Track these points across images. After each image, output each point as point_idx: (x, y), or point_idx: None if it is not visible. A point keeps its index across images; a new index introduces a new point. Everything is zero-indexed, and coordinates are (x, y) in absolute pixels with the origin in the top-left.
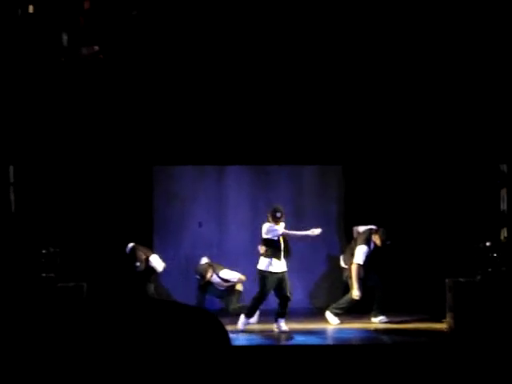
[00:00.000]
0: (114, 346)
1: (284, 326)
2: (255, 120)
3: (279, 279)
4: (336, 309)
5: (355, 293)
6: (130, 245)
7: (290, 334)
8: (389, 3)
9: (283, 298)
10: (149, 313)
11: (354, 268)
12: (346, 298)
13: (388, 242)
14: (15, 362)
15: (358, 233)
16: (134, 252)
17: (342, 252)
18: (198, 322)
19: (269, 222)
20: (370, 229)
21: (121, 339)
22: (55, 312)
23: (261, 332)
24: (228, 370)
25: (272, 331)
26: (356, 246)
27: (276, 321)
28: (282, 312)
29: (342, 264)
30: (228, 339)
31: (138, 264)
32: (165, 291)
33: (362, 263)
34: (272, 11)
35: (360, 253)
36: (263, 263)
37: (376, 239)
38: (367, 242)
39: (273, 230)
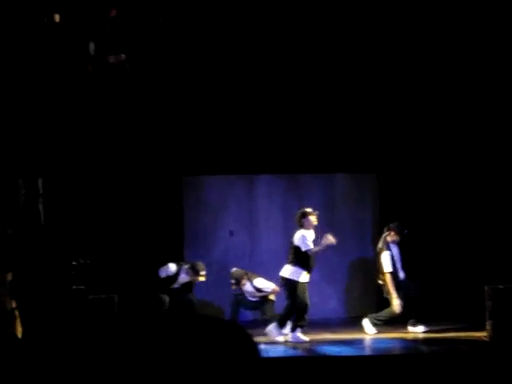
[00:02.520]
0: (143, 359)
1: (302, 336)
2: (287, 128)
3: (304, 288)
4: (375, 319)
5: (395, 302)
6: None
7: (311, 343)
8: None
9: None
10: (180, 327)
11: (387, 278)
12: (388, 310)
13: (405, 232)
14: (50, 373)
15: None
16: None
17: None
18: (227, 335)
19: (302, 227)
20: (383, 233)
21: (151, 353)
22: (87, 324)
23: (295, 343)
24: (259, 382)
25: (305, 342)
26: (379, 256)
27: (293, 331)
28: (299, 322)
29: (379, 281)
30: (257, 351)
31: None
32: (197, 301)
33: (391, 270)
34: (290, 19)
35: (385, 260)
36: (289, 271)
37: (392, 236)
38: (386, 246)
39: (305, 243)
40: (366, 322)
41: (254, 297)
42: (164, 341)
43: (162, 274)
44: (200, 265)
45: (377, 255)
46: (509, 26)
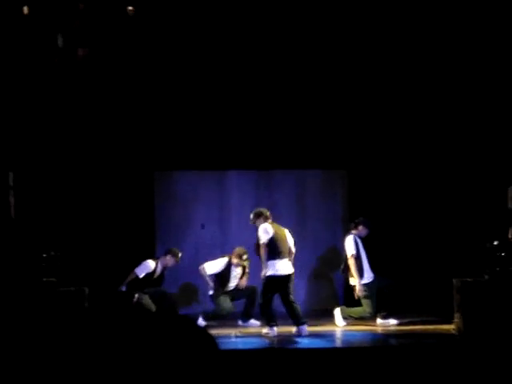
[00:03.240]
0: (104, 353)
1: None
2: (258, 125)
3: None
4: (347, 314)
5: (358, 287)
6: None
7: (280, 335)
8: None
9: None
10: (137, 324)
11: (350, 261)
12: (360, 310)
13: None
14: (16, 365)
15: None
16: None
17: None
18: (183, 330)
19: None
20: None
21: (110, 349)
22: (56, 316)
23: (266, 335)
24: (218, 374)
25: (279, 335)
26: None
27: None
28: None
29: (351, 283)
30: (216, 347)
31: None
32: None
33: (354, 252)
34: (273, 14)
35: (348, 244)
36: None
37: (358, 230)
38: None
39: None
40: (338, 313)
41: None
42: (123, 335)
43: (142, 272)
44: (174, 249)
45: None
46: (506, 26)
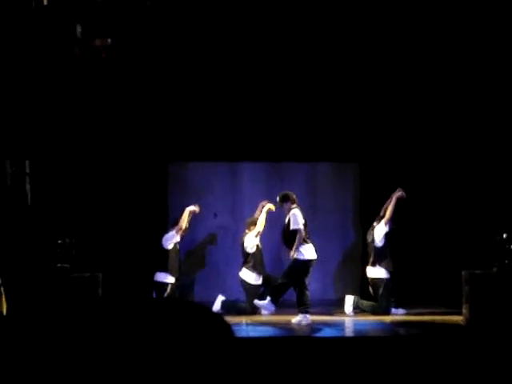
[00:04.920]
0: (118, 342)
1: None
2: (271, 117)
3: None
4: (358, 304)
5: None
6: None
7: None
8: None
9: None
10: (152, 311)
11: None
12: (372, 305)
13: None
14: (28, 352)
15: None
16: None
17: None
18: (199, 319)
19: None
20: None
21: (123, 337)
22: (70, 302)
23: (276, 323)
24: (233, 363)
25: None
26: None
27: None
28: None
29: (368, 275)
30: (231, 333)
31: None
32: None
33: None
34: (283, 8)
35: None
36: None
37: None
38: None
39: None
40: (349, 300)
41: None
42: (135, 326)
43: (168, 242)
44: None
45: (368, 247)
46: (506, 26)
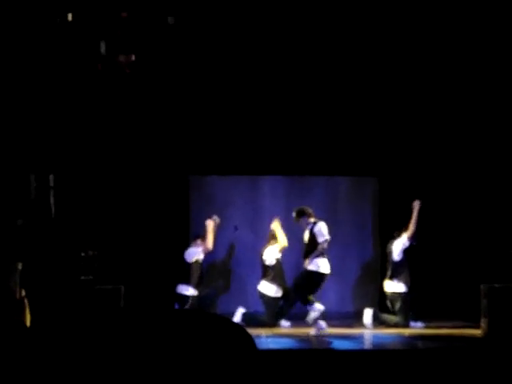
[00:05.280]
0: (141, 353)
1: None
2: (291, 131)
3: None
4: (378, 318)
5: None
6: None
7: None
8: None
9: None
10: (174, 322)
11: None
12: (391, 318)
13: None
14: (51, 363)
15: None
16: None
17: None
18: (223, 330)
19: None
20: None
21: (145, 348)
22: (93, 313)
23: (295, 336)
24: (255, 375)
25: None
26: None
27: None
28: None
29: (386, 290)
30: (254, 346)
31: None
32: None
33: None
34: (290, 17)
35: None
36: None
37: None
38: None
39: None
40: (368, 313)
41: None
42: (161, 335)
43: (191, 257)
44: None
45: (387, 258)
46: (508, 26)
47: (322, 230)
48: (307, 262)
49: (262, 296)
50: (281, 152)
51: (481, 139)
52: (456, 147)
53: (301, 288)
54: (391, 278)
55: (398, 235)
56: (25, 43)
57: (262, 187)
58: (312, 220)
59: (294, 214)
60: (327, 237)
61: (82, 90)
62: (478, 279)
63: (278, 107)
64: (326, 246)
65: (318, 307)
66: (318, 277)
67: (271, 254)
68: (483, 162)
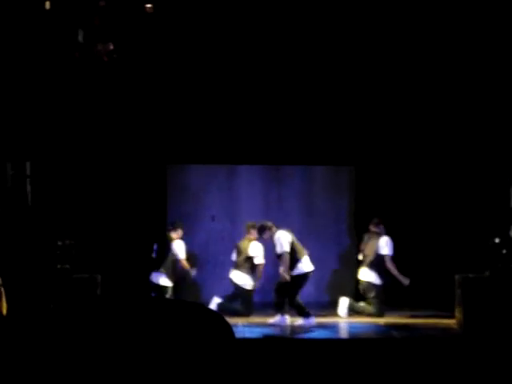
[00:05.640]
0: (118, 342)
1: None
2: (267, 121)
3: None
4: (352, 306)
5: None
6: None
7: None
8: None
9: None
10: (152, 310)
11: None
12: (366, 308)
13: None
14: (28, 352)
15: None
16: None
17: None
18: (199, 318)
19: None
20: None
21: (124, 336)
22: (69, 302)
23: (272, 325)
24: (233, 363)
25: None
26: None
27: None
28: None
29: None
30: (232, 334)
31: None
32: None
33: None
34: (282, 10)
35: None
36: None
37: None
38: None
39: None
40: (343, 303)
41: None
42: (135, 325)
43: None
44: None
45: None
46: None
47: (281, 240)
48: (284, 273)
49: (237, 287)
50: (257, 141)
51: (458, 129)
52: (432, 137)
53: (287, 291)
54: (370, 267)
55: (374, 226)
56: (2, 31)
57: (239, 176)
58: (274, 230)
59: (256, 233)
60: (284, 248)
61: (60, 79)
62: (453, 269)
63: (255, 96)
64: (287, 256)
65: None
66: (303, 278)
67: (258, 252)
68: (460, 152)
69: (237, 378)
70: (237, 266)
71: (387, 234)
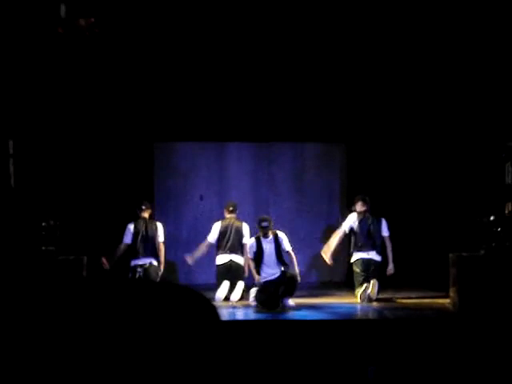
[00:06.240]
0: (103, 324)
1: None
2: (257, 97)
3: None
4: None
5: None
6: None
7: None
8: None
9: None
10: (138, 292)
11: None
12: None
13: None
14: (13, 334)
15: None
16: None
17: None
18: (185, 300)
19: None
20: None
21: (109, 318)
22: (55, 284)
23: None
24: (220, 345)
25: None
26: None
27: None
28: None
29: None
30: (217, 315)
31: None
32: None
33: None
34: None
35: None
36: None
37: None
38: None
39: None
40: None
41: None
42: (124, 305)
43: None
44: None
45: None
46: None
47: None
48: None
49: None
50: (247, 118)
51: (452, 105)
52: (424, 114)
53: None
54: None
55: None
56: None
57: (229, 154)
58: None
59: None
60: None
61: (43, 55)
62: (447, 248)
63: (245, 73)
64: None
65: None
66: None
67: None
68: (454, 128)
69: (223, 359)
70: (234, 248)
71: (380, 212)
